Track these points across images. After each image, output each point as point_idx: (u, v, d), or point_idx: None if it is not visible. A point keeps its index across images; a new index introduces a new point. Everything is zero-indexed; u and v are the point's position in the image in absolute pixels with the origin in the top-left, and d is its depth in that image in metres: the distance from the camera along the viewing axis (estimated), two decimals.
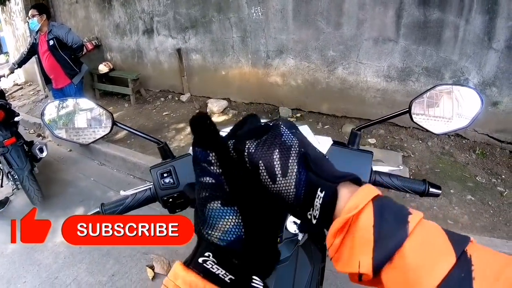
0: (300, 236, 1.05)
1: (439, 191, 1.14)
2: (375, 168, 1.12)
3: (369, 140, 4.84)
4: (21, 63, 5.41)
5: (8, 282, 3.17)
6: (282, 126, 0.54)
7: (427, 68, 4.64)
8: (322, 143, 1.06)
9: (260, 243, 0.53)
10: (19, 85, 9.77)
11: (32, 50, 5.27)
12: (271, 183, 0.51)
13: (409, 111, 1.13)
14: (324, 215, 0.48)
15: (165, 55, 7.10)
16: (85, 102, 1.20)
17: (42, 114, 1.18)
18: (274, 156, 0.50)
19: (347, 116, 5.46)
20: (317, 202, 0.48)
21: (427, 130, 1.15)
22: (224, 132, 1.05)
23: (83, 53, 5.83)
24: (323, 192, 0.48)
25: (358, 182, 0.51)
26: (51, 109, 1.19)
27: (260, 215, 0.53)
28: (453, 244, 0.42)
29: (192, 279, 0.48)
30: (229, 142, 0.54)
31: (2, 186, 4.24)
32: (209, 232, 0.51)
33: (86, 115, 1.19)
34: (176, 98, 7.08)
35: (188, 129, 5.56)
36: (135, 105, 7.12)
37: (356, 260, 0.44)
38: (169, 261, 3.21)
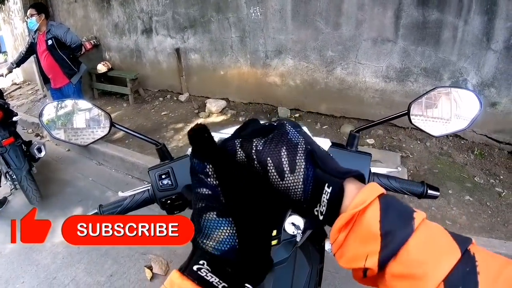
0: (298, 238, 1.05)
1: (437, 193, 1.14)
2: (373, 169, 1.12)
3: (368, 140, 4.84)
4: (19, 62, 5.40)
5: (6, 283, 3.17)
6: (287, 124, 0.55)
7: (426, 69, 4.64)
8: (321, 145, 1.06)
9: (253, 253, 0.53)
10: (18, 84, 9.75)
11: (31, 50, 5.26)
12: (279, 180, 0.51)
13: (408, 113, 1.13)
14: (331, 211, 0.49)
15: (163, 55, 7.10)
16: (83, 104, 1.20)
17: (41, 115, 1.18)
18: (282, 153, 0.51)
19: (345, 116, 5.47)
20: (324, 197, 0.49)
21: (425, 133, 1.15)
22: (223, 133, 1.05)
23: (82, 53, 5.83)
24: (330, 188, 0.49)
25: (362, 178, 0.52)
26: (49, 110, 1.19)
27: (254, 226, 0.54)
28: (457, 242, 0.43)
29: (187, 287, 0.48)
30: (236, 141, 0.55)
31: (0, 186, 4.23)
32: (204, 241, 0.52)
33: (84, 116, 1.19)
34: (175, 98, 7.07)
35: (187, 129, 5.55)
36: (133, 104, 7.11)
37: (363, 255, 0.45)
38: (167, 262, 3.21)
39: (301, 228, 0.96)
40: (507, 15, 4.00)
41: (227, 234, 0.52)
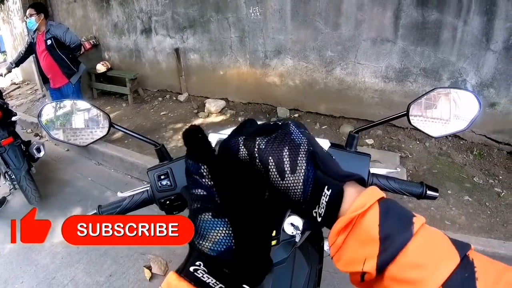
0: (297, 238, 1.05)
1: (436, 194, 1.14)
2: (372, 170, 1.12)
3: (367, 140, 4.84)
4: (18, 62, 5.40)
5: (5, 283, 3.16)
6: (291, 125, 0.55)
7: (425, 69, 4.64)
8: None
9: (251, 254, 0.53)
10: (17, 84, 9.74)
11: (30, 49, 5.25)
12: (279, 179, 0.52)
13: (407, 114, 1.13)
14: (329, 213, 0.49)
15: (163, 55, 7.10)
16: (82, 104, 1.20)
17: (39, 115, 1.18)
18: (284, 153, 0.52)
19: (345, 116, 5.47)
20: (323, 199, 0.49)
21: (425, 133, 1.15)
22: (222, 133, 1.05)
23: (81, 53, 5.82)
24: (330, 190, 0.49)
25: (362, 182, 0.52)
26: (48, 110, 1.19)
27: (251, 227, 0.53)
28: (457, 248, 0.43)
29: None
30: (239, 139, 0.55)
31: None
32: (200, 242, 0.52)
33: (83, 117, 1.19)
34: (174, 98, 7.07)
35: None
36: (132, 104, 7.10)
37: (361, 258, 0.45)
38: (166, 262, 3.21)
39: (300, 229, 0.96)
40: (506, 16, 4.00)
41: (223, 234, 0.51)
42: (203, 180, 0.53)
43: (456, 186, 3.90)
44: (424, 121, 1.15)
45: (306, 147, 0.52)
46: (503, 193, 3.78)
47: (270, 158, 0.52)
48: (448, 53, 4.45)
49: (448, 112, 1.14)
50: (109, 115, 1.18)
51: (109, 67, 7.53)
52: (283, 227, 1.01)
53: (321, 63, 5.36)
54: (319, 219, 0.50)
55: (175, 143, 5.28)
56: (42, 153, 4.16)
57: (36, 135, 6.33)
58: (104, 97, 7.74)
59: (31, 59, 5.75)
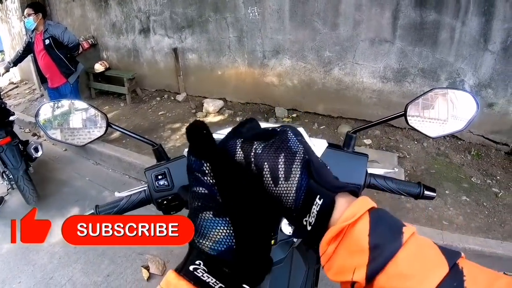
0: (295, 238, 1.06)
1: (434, 194, 1.15)
2: (370, 170, 1.12)
3: (365, 141, 4.84)
4: (16, 61, 5.38)
5: (3, 283, 3.16)
6: (289, 132, 0.55)
7: (423, 69, 4.65)
8: (317, 146, 1.06)
9: (251, 254, 0.53)
10: (15, 83, 9.73)
11: (28, 49, 5.24)
12: (273, 185, 0.51)
13: (404, 114, 1.13)
14: (319, 222, 0.49)
15: (161, 55, 7.09)
16: (80, 104, 1.20)
17: (37, 115, 1.18)
18: (279, 160, 0.51)
19: (343, 116, 5.47)
20: (314, 208, 0.49)
21: (422, 134, 1.16)
22: (220, 133, 1.05)
23: (79, 52, 5.81)
24: (322, 200, 0.49)
25: (355, 193, 0.52)
26: (46, 110, 1.19)
27: (252, 226, 0.53)
28: (446, 256, 0.43)
29: (183, 287, 0.48)
30: (237, 141, 0.55)
31: None
32: (201, 241, 0.52)
33: (81, 116, 1.19)
34: (172, 98, 7.06)
35: (184, 129, 5.55)
36: (131, 104, 7.10)
37: (350, 268, 0.45)
38: (164, 262, 3.21)
39: None
40: (504, 17, 4.01)
41: (223, 234, 0.51)
42: (205, 178, 0.52)
43: (454, 186, 3.90)
44: (421, 121, 1.15)
45: (302, 156, 0.52)
46: (500, 193, 3.78)
47: (266, 163, 0.51)
48: (446, 54, 4.46)
49: (446, 113, 1.14)
50: (106, 115, 1.18)
51: (107, 66, 7.51)
52: (280, 227, 1.01)
53: (319, 63, 5.36)
54: (308, 228, 0.50)
55: (173, 143, 5.28)
56: (40, 153, 4.16)
57: (34, 134, 6.32)
58: (102, 96, 7.73)
59: (29, 58, 5.73)
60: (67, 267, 3.27)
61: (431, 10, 4.35)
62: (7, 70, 5.39)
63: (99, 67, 7.37)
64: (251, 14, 5.60)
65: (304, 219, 0.51)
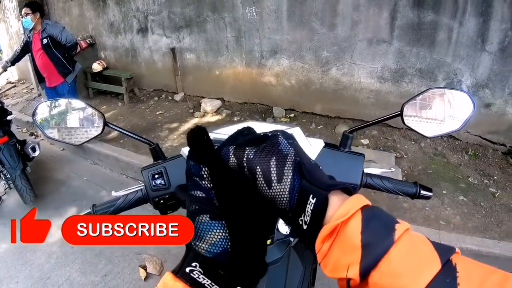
0: (291, 237, 1.06)
1: (430, 194, 1.15)
2: (366, 170, 1.12)
3: (362, 141, 4.85)
4: (14, 61, 5.37)
5: (0, 282, 3.15)
6: (279, 136, 0.56)
7: (421, 70, 4.66)
8: (314, 145, 1.06)
9: (246, 256, 0.54)
10: (12, 83, 9.71)
11: (26, 48, 5.23)
12: (266, 188, 0.52)
13: (401, 114, 1.13)
14: (314, 221, 0.50)
15: (159, 54, 7.09)
16: (77, 103, 1.20)
17: (34, 114, 1.18)
18: (271, 163, 0.52)
19: (340, 116, 5.48)
20: (308, 208, 0.50)
21: (419, 133, 1.16)
22: (217, 133, 1.05)
23: (77, 52, 5.81)
24: (315, 199, 0.50)
25: (348, 191, 0.52)
26: (43, 109, 1.19)
27: (247, 230, 0.54)
28: (439, 253, 0.43)
29: None
30: (230, 148, 0.56)
31: None
32: (197, 243, 0.53)
33: (78, 116, 1.19)
34: (170, 98, 7.06)
35: (182, 129, 5.56)
36: (128, 104, 7.09)
37: (345, 265, 0.46)
38: (161, 262, 3.21)
39: None
40: (502, 17, 4.02)
41: (219, 237, 0.52)
42: (203, 182, 0.54)
43: (451, 186, 3.91)
44: (418, 121, 1.15)
45: (293, 157, 0.53)
46: (497, 193, 3.79)
47: (258, 167, 0.53)
48: (444, 54, 4.47)
49: (442, 112, 1.15)
50: (103, 114, 1.18)
51: (105, 66, 7.51)
52: (277, 227, 1.01)
53: (317, 63, 5.37)
54: (304, 227, 0.51)
55: (171, 142, 5.27)
56: (37, 153, 4.16)
57: (32, 134, 6.31)
58: (100, 96, 7.72)
59: (27, 57, 5.74)
60: (65, 267, 3.26)
61: (429, 11, 4.35)
62: (4, 69, 5.37)
63: (97, 67, 7.37)
64: (249, 14, 5.60)
65: (300, 219, 0.51)
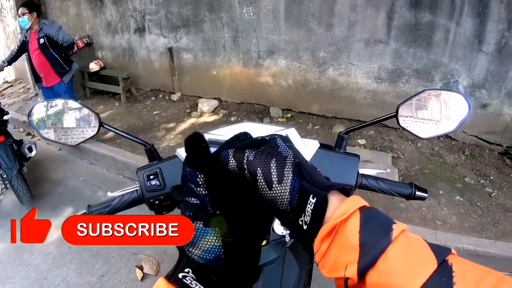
0: (287, 238, 1.06)
1: (426, 195, 1.15)
2: (361, 171, 1.12)
3: (359, 141, 4.85)
4: (11, 60, 5.37)
5: None
6: (278, 139, 0.57)
7: (418, 70, 4.67)
8: (309, 146, 1.07)
9: (239, 263, 0.55)
10: (9, 82, 9.68)
11: (22, 48, 5.23)
12: (267, 189, 0.53)
13: (396, 115, 1.13)
14: (315, 220, 0.50)
15: (156, 54, 7.08)
16: (72, 103, 1.20)
17: (30, 114, 1.18)
18: (271, 165, 0.53)
19: (337, 117, 5.48)
20: (308, 207, 0.51)
21: (414, 135, 1.16)
22: (213, 133, 1.05)
23: (74, 51, 5.80)
24: (315, 199, 0.51)
25: (345, 192, 0.54)
26: (39, 110, 1.19)
27: (240, 237, 0.55)
28: (435, 253, 0.44)
29: None
30: (229, 151, 0.57)
31: None
32: (190, 249, 0.53)
33: (74, 116, 1.19)
34: (167, 97, 7.05)
35: (179, 129, 5.55)
36: (125, 104, 7.08)
37: (343, 264, 0.46)
38: (158, 262, 3.21)
39: None
40: (499, 18, 4.03)
41: (212, 243, 0.53)
42: (198, 189, 0.55)
43: (448, 186, 3.92)
44: (413, 122, 1.15)
45: (292, 159, 0.54)
46: (494, 193, 3.80)
47: (258, 169, 0.53)
48: (441, 55, 4.47)
49: (438, 114, 1.15)
50: (99, 114, 1.19)
51: (102, 66, 7.50)
52: (273, 227, 1.02)
53: (314, 63, 5.37)
54: (305, 227, 0.51)
55: (168, 142, 5.27)
56: (34, 153, 4.15)
57: (28, 134, 6.29)
58: (97, 96, 7.70)
59: (24, 57, 5.73)
60: (61, 268, 3.26)
61: (426, 11, 4.36)
62: (1, 69, 5.37)
63: (94, 67, 7.36)
64: (246, 14, 5.60)
65: (300, 219, 0.52)
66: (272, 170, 0.53)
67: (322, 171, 0.59)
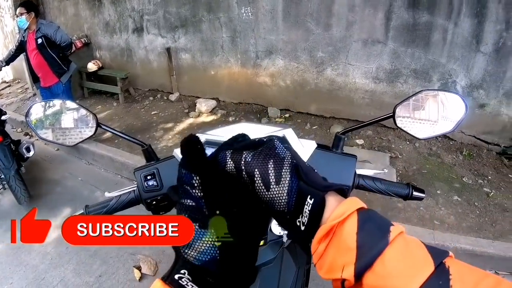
0: (284, 238, 1.06)
1: (423, 195, 1.15)
2: (359, 171, 1.12)
3: (357, 141, 4.86)
4: (9, 60, 5.35)
5: None
6: (275, 140, 0.57)
7: (415, 70, 4.67)
8: (306, 147, 1.07)
9: (235, 264, 0.55)
10: (7, 82, 9.67)
11: (20, 48, 5.22)
12: (265, 190, 0.53)
13: (393, 116, 1.13)
14: (312, 221, 0.50)
15: (154, 54, 7.07)
16: (70, 104, 1.20)
17: (27, 115, 1.18)
18: (269, 166, 0.53)
19: (335, 117, 5.48)
20: (306, 208, 0.51)
21: (411, 135, 1.16)
22: (211, 134, 1.05)
23: (72, 51, 5.79)
24: (313, 200, 0.51)
25: (343, 192, 0.54)
26: (36, 110, 1.19)
27: (236, 238, 0.55)
28: (432, 255, 0.44)
29: None
30: (227, 153, 0.57)
31: None
32: (186, 251, 0.53)
33: (71, 116, 1.19)
34: (165, 98, 7.05)
35: (177, 129, 5.55)
36: (123, 104, 7.07)
37: (340, 265, 0.46)
38: (156, 262, 3.21)
39: None
40: (497, 18, 4.04)
41: (208, 245, 0.53)
42: (194, 191, 0.54)
43: (446, 186, 3.92)
44: (410, 123, 1.15)
45: (290, 160, 0.54)
46: (492, 193, 3.80)
47: (256, 170, 0.53)
48: (439, 55, 4.48)
49: (435, 114, 1.15)
50: (96, 115, 1.19)
51: (100, 66, 7.50)
52: (270, 227, 1.02)
53: (312, 63, 5.38)
54: (302, 228, 0.51)
55: (166, 142, 5.26)
56: (31, 153, 4.14)
57: (26, 134, 6.28)
58: (95, 96, 7.70)
59: (22, 57, 5.71)
60: (59, 268, 3.26)
61: (424, 12, 4.37)
62: None
63: (92, 66, 7.35)
64: (244, 14, 5.60)
65: (297, 220, 0.52)
66: (270, 171, 0.53)
67: (319, 171, 0.59)
